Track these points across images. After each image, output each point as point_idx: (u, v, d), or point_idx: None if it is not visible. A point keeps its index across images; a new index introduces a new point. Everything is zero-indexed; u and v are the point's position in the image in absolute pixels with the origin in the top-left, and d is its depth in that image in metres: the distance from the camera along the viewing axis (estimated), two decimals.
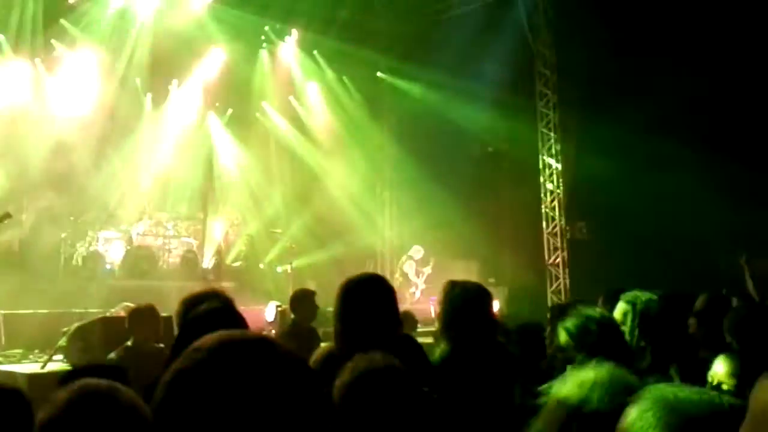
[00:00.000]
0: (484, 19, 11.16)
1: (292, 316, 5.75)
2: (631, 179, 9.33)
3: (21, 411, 1.35)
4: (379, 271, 10.30)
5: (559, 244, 11.32)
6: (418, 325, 6.61)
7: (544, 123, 11.62)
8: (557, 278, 11.25)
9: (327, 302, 5.91)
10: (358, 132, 13.08)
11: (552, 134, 11.57)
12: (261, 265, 11.80)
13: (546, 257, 11.36)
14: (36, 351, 5.61)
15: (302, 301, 5.64)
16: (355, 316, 2.19)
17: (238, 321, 2.15)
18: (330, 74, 12.94)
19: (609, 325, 2.44)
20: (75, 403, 1.21)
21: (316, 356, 2.72)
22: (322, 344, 3.10)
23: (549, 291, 11.16)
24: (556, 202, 11.48)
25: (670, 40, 9.15)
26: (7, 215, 7.20)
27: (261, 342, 0.82)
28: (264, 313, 7.91)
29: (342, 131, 13.04)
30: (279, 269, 11.14)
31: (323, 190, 12.75)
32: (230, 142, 12.79)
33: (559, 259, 11.29)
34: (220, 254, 11.70)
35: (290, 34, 12.38)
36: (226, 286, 8.70)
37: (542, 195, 11.56)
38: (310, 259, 11.49)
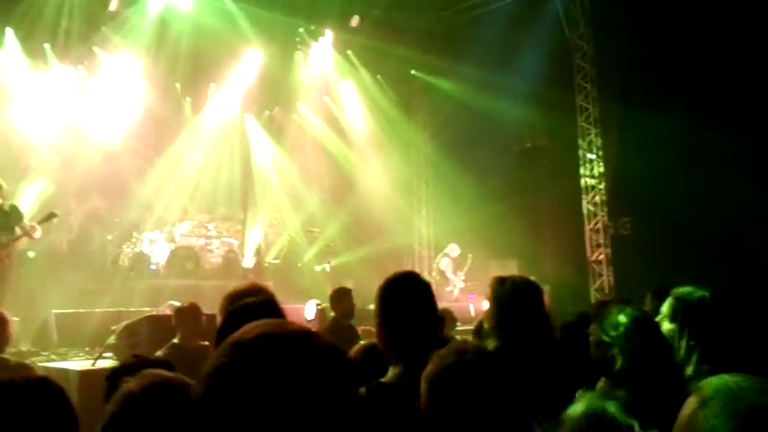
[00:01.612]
0: (519, 13, 11.00)
1: (332, 313, 5.80)
2: (676, 172, 9.05)
3: (55, 401, 1.34)
4: (416, 270, 10.27)
5: (601, 241, 11.07)
6: (458, 324, 6.58)
7: (584, 117, 11.38)
8: (600, 275, 11.01)
9: (364, 301, 5.96)
10: (393, 130, 13.07)
11: (592, 128, 11.33)
12: (299, 264, 11.92)
13: (588, 254, 11.14)
14: (86, 348, 5.78)
15: (341, 299, 5.69)
16: (394, 315, 2.18)
17: (280, 314, 2.17)
18: (364, 73, 12.97)
19: (651, 325, 2.36)
20: (146, 391, 1.24)
21: (355, 352, 2.73)
22: (361, 342, 3.10)
23: (592, 288, 10.93)
24: (597, 198, 11.23)
25: (712, 29, 8.83)
26: (53, 215, 7.48)
27: (300, 333, 0.82)
28: (304, 312, 7.99)
29: (377, 130, 13.06)
30: (317, 268, 11.22)
31: (360, 189, 12.79)
32: (267, 143, 12.96)
33: (602, 256, 11.04)
34: (259, 254, 11.89)
35: (324, 35, 12.46)
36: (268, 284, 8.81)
37: (583, 191, 11.32)
38: (348, 257, 11.54)
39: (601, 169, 11.27)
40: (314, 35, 12.44)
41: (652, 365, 2.16)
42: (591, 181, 11.32)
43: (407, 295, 2.16)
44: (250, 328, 0.82)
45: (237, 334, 0.81)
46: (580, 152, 11.36)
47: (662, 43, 9.29)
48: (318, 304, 7.69)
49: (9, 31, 9.57)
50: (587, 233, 11.21)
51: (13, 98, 9.71)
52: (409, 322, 2.11)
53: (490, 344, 2.63)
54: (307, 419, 0.75)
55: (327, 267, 10.23)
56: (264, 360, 0.77)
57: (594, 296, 10.65)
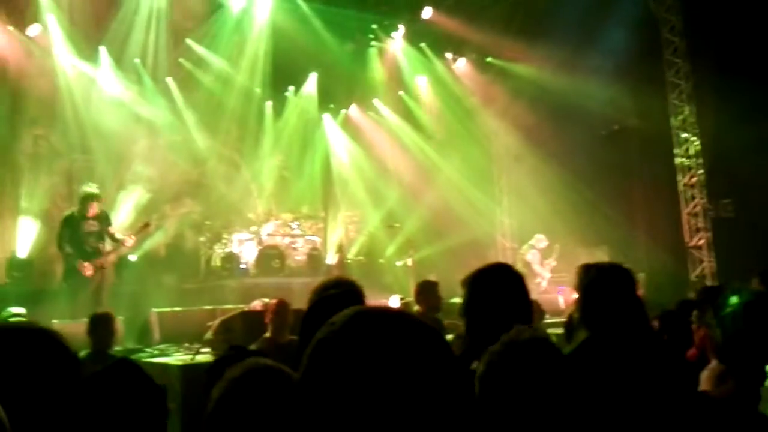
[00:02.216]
0: None
1: (416, 308, 5.75)
2: None
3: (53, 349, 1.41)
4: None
5: (701, 225, 10.36)
6: (546, 316, 6.37)
7: (676, 94, 10.69)
8: (701, 261, 10.31)
9: (448, 294, 5.87)
10: (471, 121, 12.86)
11: (685, 105, 10.61)
12: (381, 260, 11.99)
13: (686, 239, 10.45)
14: (185, 344, 6.06)
15: (426, 292, 5.62)
16: (484, 307, 2.09)
17: (361, 300, 2.15)
18: (438, 65, 12.83)
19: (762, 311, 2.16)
20: (249, 376, 1.30)
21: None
22: (448, 335, 3.02)
23: (692, 276, 10.25)
24: (695, 179, 10.52)
25: None
26: (147, 225, 7.97)
27: (393, 311, 0.87)
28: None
29: (454, 122, 12.89)
30: (398, 263, 11.23)
31: (439, 181, 12.68)
32: (345, 141, 13.12)
33: (702, 241, 10.33)
34: (341, 251, 12.06)
35: (397, 29, 12.44)
36: None
37: (678, 172, 10.63)
38: (429, 251, 11.47)
39: (697, 148, 10.54)
40: (387, 30, 12.44)
41: (752, 350, 2.03)
42: (687, 162, 10.62)
43: (499, 286, 2.07)
44: (346, 311, 0.86)
45: (334, 317, 0.85)
46: (674, 131, 10.68)
47: (760, 4, 8.54)
48: (401, 299, 7.68)
49: (103, 50, 10.20)
50: (684, 217, 10.52)
51: (109, 112, 10.36)
52: (500, 313, 2.01)
53: (581, 336, 2.50)
54: (403, 389, 0.77)
55: (408, 261, 10.20)
56: (359, 334, 0.81)
57: (693, 285, 9.98)
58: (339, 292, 2.14)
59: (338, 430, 0.77)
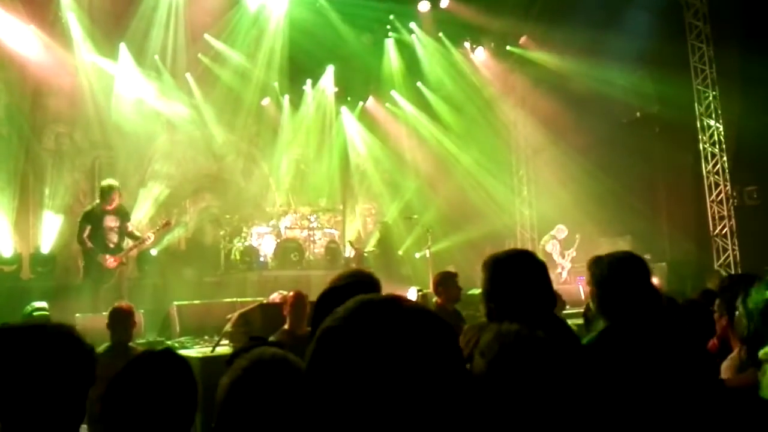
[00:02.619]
0: None
1: (435, 299, 5.73)
2: None
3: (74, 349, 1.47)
4: None
5: (725, 213, 10.15)
6: (567, 307, 6.30)
7: (700, 80, 10.45)
8: (725, 250, 10.11)
9: (467, 285, 5.84)
10: (489, 111, 12.73)
11: (710, 91, 10.37)
12: (399, 252, 11.96)
13: (711, 228, 10.25)
14: (206, 337, 6.12)
15: (445, 283, 5.59)
16: (506, 293, 2.06)
17: (374, 290, 2.14)
18: (456, 55, 12.71)
19: None
20: (257, 365, 1.34)
21: (470, 338, 2.62)
22: (466, 326, 2.98)
23: (716, 265, 10.05)
24: (719, 166, 10.29)
25: None
26: (167, 223, 8.04)
27: (398, 300, 0.85)
28: None
29: (473, 112, 12.77)
30: (417, 255, 11.20)
31: (457, 172, 12.60)
32: (363, 133, 13.09)
33: (726, 229, 10.12)
34: (358, 243, 12.07)
35: (414, 20, 12.34)
36: None
37: (703, 159, 10.42)
38: (448, 243, 11.42)
39: (722, 135, 10.30)
40: (405, 20, 12.36)
41: None
42: (711, 149, 10.39)
43: (521, 272, 2.03)
44: (350, 301, 0.86)
45: (340, 307, 0.86)
46: (698, 117, 10.45)
47: None
48: (419, 291, 7.65)
49: (122, 46, 10.30)
50: (709, 205, 10.31)
51: (130, 108, 10.48)
52: (523, 298, 1.98)
53: (599, 326, 2.47)
54: (406, 373, 0.77)
55: (427, 253, 10.16)
56: (362, 322, 0.81)
57: (712, 275, 9.78)
58: (349, 282, 2.13)
59: (341, 420, 0.77)
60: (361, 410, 0.76)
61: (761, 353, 1.81)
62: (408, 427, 0.76)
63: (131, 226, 7.60)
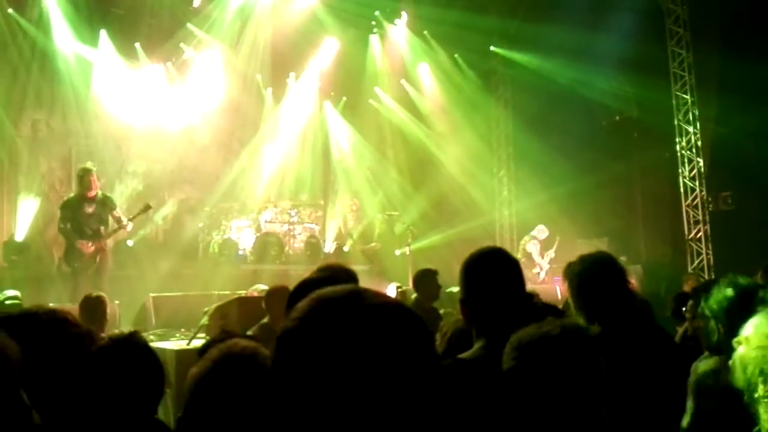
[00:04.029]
0: None
1: (414, 295, 5.75)
2: None
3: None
4: None
5: (700, 217, 10.34)
6: None
7: (679, 85, 10.60)
8: (699, 254, 10.29)
9: (446, 284, 5.87)
10: (472, 110, 12.78)
11: (688, 97, 10.54)
12: (378, 248, 11.95)
13: (686, 232, 10.43)
14: (182, 329, 6.07)
15: (425, 280, 5.62)
16: (478, 289, 2.07)
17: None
18: (441, 53, 12.74)
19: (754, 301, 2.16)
20: (223, 357, 1.35)
21: (449, 329, 2.64)
22: (449, 320, 3.00)
23: (690, 268, 10.23)
24: (696, 171, 10.48)
25: None
26: (148, 207, 7.95)
27: (352, 293, 0.82)
28: None
29: (456, 111, 12.82)
30: (397, 252, 11.22)
31: (439, 171, 12.64)
32: (346, 129, 13.06)
33: (701, 234, 10.32)
34: (339, 239, 12.06)
35: (400, 17, 12.34)
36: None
37: (680, 164, 10.59)
38: (428, 241, 11.45)
39: (699, 140, 10.49)
40: (390, 18, 12.35)
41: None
42: (688, 154, 10.57)
43: (493, 269, 2.05)
44: (313, 294, 0.83)
45: (298, 304, 0.83)
46: (676, 123, 10.62)
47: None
48: (398, 287, 7.67)
49: (103, 33, 10.13)
50: (684, 209, 10.50)
51: (109, 96, 10.32)
52: (494, 296, 2.00)
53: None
54: (367, 373, 0.74)
55: (407, 251, 10.19)
56: (317, 322, 0.78)
57: (695, 276, 9.96)
58: (323, 276, 2.12)
59: (301, 417, 0.76)
60: (323, 413, 0.74)
61: (734, 341, 1.84)
62: (377, 425, 0.74)
63: (119, 213, 7.50)
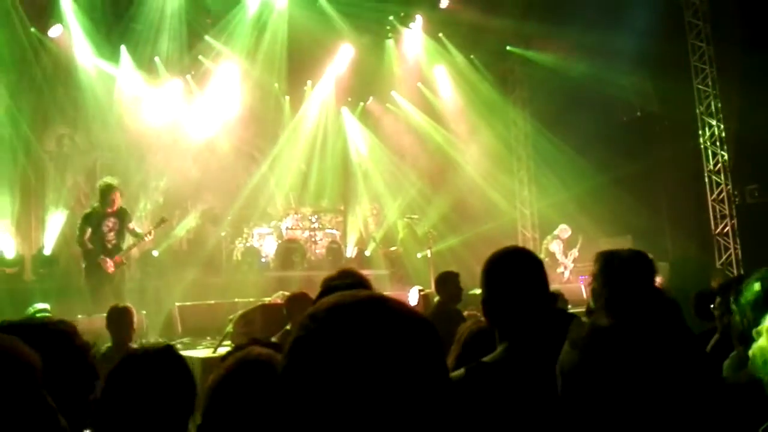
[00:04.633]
0: None
1: (437, 298, 5.74)
2: None
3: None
4: None
5: (726, 211, 10.14)
6: (569, 306, 6.29)
7: (700, 79, 10.45)
8: (726, 249, 10.10)
9: (467, 285, 5.84)
10: (490, 111, 12.72)
11: (710, 90, 10.37)
12: (400, 251, 11.94)
13: (712, 227, 10.24)
14: (207, 338, 6.14)
15: (447, 282, 5.60)
16: (501, 292, 2.05)
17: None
18: (457, 55, 12.72)
19: None
20: (237, 365, 1.36)
21: (463, 333, 2.63)
22: (465, 325, 2.98)
23: (717, 264, 10.05)
24: (720, 165, 10.29)
25: None
26: (163, 220, 8.05)
27: (371, 300, 0.81)
28: (407, 299, 7.99)
29: (473, 112, 12.77)
30: (418, 255, 11.20)
31: (458, 173, 12.61)
32: (364, 134, 13.10)
33: (727, 228, 10.12)
34: (360, 243, 12.09)
35: (414, 20, 12.35)
36: (368, 273, 8.92)
37: (703, 158, 10.41)
38: (449, 243, 11.42)
39: (722, 134, 10.30)
40: (405, 21, 12.36)
41: None
42: (711, 147, 10.39)
43: (515, 269, 2.03)
44: (324, 300, 0.82)
45: (312, 308, 0.82)
46: (698, 116, 10.45)
47: None
48: (420, 290, 7.66)
49: (123, 49, 10.32)
50: (710, 204, 10.31)
51: (131, 109, 10.49)
52: (516, 297, 1.98)
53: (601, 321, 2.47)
54: (383, 380, 0.74)
55: (428, 253, 10.17)
56: (334, 329, 0.77)
57: (722, 272, 9.78)
58: (340, 285, 2.13)
59: (312, 423, 0.75)
60: (331, 420, 0.74)
61: (754, 332, 1.81)
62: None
63: (132, 226, 7.60)
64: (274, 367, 1.32)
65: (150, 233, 7.66)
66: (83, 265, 7.39)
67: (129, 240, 7.48)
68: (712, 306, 3.43)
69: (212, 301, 7.43)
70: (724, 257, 10.11)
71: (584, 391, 1.45)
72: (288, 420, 0.76)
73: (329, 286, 2.12)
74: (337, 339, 0.76)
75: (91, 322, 6.03)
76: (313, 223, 11.19)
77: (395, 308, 0.80)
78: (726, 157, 10.27)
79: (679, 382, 2.13)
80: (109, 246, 7.24)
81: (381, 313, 0.79)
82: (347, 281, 2.20)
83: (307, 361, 0.77)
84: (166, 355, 1.69)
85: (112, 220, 7.29)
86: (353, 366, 0.74)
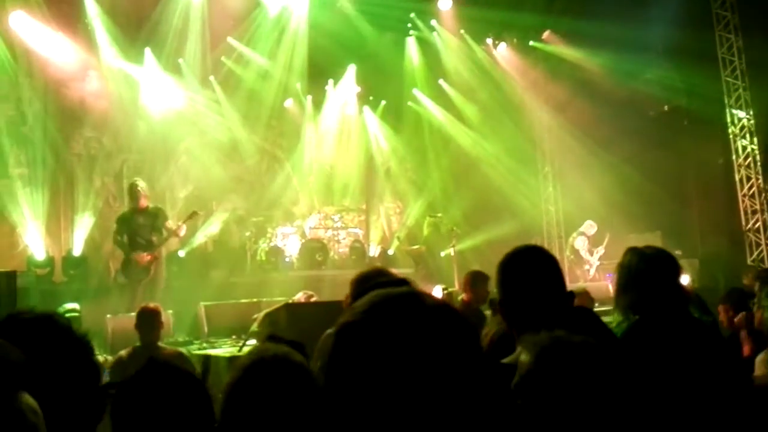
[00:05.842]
0: None
1: (463, 296, 5.69)
2: None
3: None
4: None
5: (758, 207, 9.90)
6: (595, 304, 6.20)
7: (729, 71, 10.21)
8: (758, 245, 9.86)
9: (492, 285, 5.79)
10: (513, 107, 12.60)
11: (739, 83, 10.13)
12: (423, 250, 11.88)
13: (743, 223, 10.00)
14: (233, 336, 6.18)
15: (477, 283, 5.54)
16: (517, 292, 2.01)
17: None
18: (479, 51, 12.61)
19: None
20: (254, 364, 1.35)
21: (489, 335, 2.59)
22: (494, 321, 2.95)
23: (749, 260, 9.82)
24: (750, 159, 10.04)
25: None
26: (195, 213, 8.22)
27: (412, 294, 0.85)
28: None
29: (496, 109, 12.65)
30: (442, 253, 11.14)
31: (481, 170, 12.50)
32: (386, 133, 13.08)
33: (759, 224, 9.88)
34: (385, 242, 12.07)
35: (435, 17, 12.27)
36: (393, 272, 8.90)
37: (733, 152, 10.17)
38: (473, 241, 11.33)
39: (752, 127, 10.05)
40: (426, 18, 12.30)
41: None
42: (741, 141, 10.14)
43: (530, 268, 1.98)
44: (363, 299, 0.86)
45: (355, 303, 0.86)
46: (727, 110, 10.21)
47: None
48: (444, 289, 7.62)
49: (147, 51, 10.45)
50: (740, 199, 10.07)
51: (156, 110, 10.63)
52: (532, 296, 1.94)
53: (616, 319, 2.46)
54: (421, 370, 0.76)
55: (452, 252, 10.11)
56: (376, 319, 0.81)
57: (753, 269, 9.53)
58: (385, 282, 2.11)
59: (360, 413, 0.77)
60: (379, 405, 0.76)
61: None
62: (426, 424, 0.76)
63: (170, 224, 7.83)
64: (291, 365, 1.33)
65: (181, 228, 7.82)
66: (120, 264, 7.68)
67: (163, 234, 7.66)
68: (752, 302, 3.35)
69: (237, 301, 7.49)
70: (756, 253, 9.87)
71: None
72: (334, 405, 0.79)
73: (374, 285, 2.09)
74: (384, 325, 0.79)
75: (119, 322, 6.13)
76: (336, 222, 11.22)
77: (439, 305, 0.84)
78: (756, 150, 10.02)
79: (704, 379, 2.08)
80: (142, 242, 7.48)
81: (426, 307, 0.82)
82: (388, 278, 2.17)
83: (355, 346, 0.80)
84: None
85: (145, 217, 7.49)
86: (400, 352, 0.77)
